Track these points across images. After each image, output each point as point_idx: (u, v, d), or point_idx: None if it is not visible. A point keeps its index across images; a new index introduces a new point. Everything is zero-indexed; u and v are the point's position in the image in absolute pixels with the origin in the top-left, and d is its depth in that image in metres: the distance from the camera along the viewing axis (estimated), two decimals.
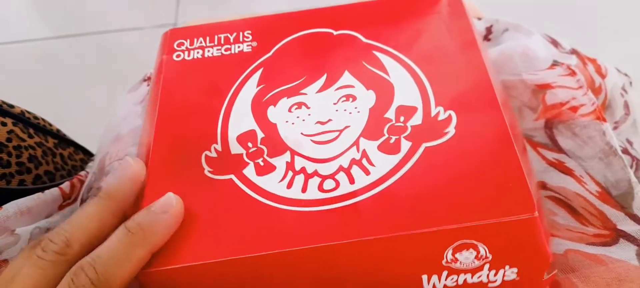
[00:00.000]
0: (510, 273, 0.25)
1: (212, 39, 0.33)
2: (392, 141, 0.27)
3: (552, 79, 0.35)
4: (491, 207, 0.23)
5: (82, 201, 0.37)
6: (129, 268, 0.23)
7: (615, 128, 0.38)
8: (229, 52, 0.32)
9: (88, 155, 0.51)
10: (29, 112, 0.45)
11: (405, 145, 0.26)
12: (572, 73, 0.35)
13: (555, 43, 0.39)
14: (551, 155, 0.33)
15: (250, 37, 0.33)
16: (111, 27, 1.21)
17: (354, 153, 0.27)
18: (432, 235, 0.23)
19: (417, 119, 0.27)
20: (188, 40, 0.33)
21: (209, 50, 0.33)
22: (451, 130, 0.26)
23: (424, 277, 0.25)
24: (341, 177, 0.26)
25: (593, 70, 0.38)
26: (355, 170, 0.26)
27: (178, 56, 0.33)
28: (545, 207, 0.32)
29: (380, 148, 0.27)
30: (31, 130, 0.43)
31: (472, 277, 0.25)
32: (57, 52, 1.19)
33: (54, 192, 0.38)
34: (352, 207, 0.25)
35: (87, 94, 1.10)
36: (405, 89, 0.29)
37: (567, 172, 0.32)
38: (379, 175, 0.25)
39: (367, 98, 0.29)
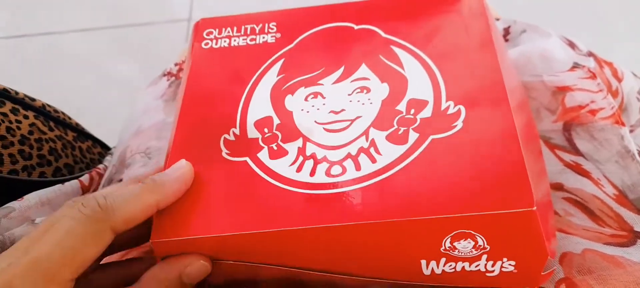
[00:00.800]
0: (508, 265, 0.25)
1: (239, 29, 0.35)
2: (400, 132, 0.27)
3: (572, 82, 0.35)
4: (490, 199, 0.24)
5: None
6: (136, 207, 0.24)
7: (631, 132, 0.38)
8: (253, 42, 0.34)
9: (105, 148, 0.52)
10: (49, 106, 0.46)
11: (413, 136, 0.27)
12: (593, 76, 0.35)
13: (572, 45, 0.39)
14: (568, 157, 0.34)
15: (275, 28, 0.34)
16: (126, 22, 1.21)
17: (363, 142, 0.28)
18: (430, 223, 0.24)
19: (427, 112, 0.28)
20: (216, 30, 0.35)
21: (235, 40, 0.34)
22: (459, 124, 0.27)
23: (423, 262, 0.25)
24: (348, 163, 0.27)
25: (610, 73, 0.38)
26: (363, 158, 0.27)
27: (206, 44, 0.34)
28: (561, 207, 0.32)
29: (389, 138, 0.27)
30: (52, 124, 0.44)
31: (470, 266, 0.25)
32: (71, 46, 1.20)
33: (73, 184, 0.39)
34: (355, 191, 0.26)
35: (103, 87, 1.11)
36: (419, 83, 0.29)
37: (584, 174, 0.32)
38: (384, 164, 0.26)
39: (380, 90, 0.30)
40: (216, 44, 0.34)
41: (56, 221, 0.23)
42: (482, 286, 0.26)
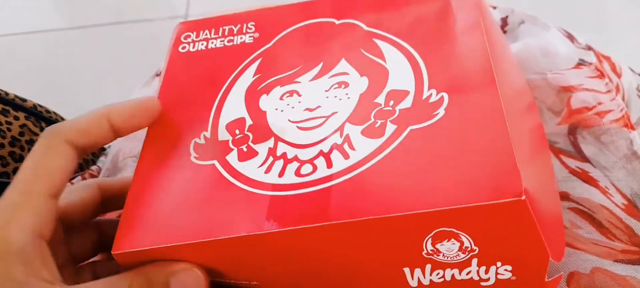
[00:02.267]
0: (504, 271, 0.22)
1: (217, 30, 0.33)
2: (377, 125, 0.25)
3: (578, 81, 0.32)
4: (471, 190, 0.21)
5: None
6: (88, 118, 0.26)
7: None
8: (231, 44, 0.32)
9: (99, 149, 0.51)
10: (41, 106, 0.45)
11: (390, 129, 0.25)
12: (601, 75, 0.32)
13: (571, 37, 0.37)
14: (574, 164, 0.31)
15: (253, 28, 0.33)
16: (122, 19, 1.21)
17: (336, 138, 0.26)
18: (405, 221, 0.21)
19: (407, 103, 0.26)
20: (194, 33, 0.34)
21: (212, 42, 0.33)
22: (441, 112, 0.24)
23: (406, 270, 0.23)
24: (319, 161, 0.25)
25: (609, 68, 0.35)
26: (335, 155, 0.25)
27: (183, 48, 0.33)
28: (567, 218, 0.30)
29: (364, 132, 0.25)
30: (43, 124, 0.43)
31: (460, 274, 0.23)
32: (68, 44, 1.20)
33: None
34: (325, 190, 0.23)
35: (97, 86, 1.10)
36: (400, 74, 0.27)
37: (592, 182, 0.30)
38: (357, 159, 0.24)
39: (359, 84, 0.28)
40: (193, 48, 0.33)
41: None
42: None
